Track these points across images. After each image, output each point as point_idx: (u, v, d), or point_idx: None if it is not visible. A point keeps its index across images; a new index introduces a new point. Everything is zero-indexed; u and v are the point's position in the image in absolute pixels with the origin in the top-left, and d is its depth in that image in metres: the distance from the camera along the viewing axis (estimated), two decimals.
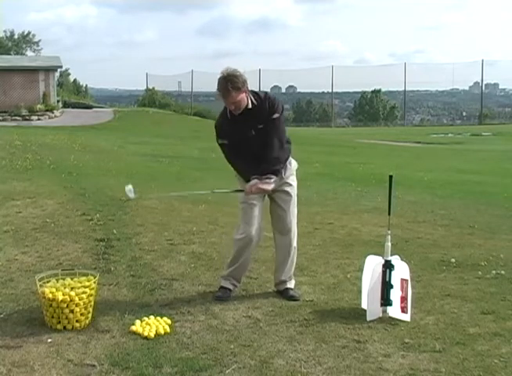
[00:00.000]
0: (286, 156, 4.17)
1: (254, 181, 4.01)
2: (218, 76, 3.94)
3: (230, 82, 3.87)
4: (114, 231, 5.92)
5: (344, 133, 35.37)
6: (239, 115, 3.99)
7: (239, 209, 4.19)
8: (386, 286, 3.80)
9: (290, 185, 4.21)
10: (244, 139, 4.00)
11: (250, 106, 3.98)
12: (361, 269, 4.06)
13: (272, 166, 4.03)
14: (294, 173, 4.28)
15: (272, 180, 4.04)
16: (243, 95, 3.93)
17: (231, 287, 4.21)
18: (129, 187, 4.13)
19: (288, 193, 4.19)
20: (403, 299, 3.79)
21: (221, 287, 4.21)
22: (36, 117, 25.44)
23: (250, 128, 4.00)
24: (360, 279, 4.04)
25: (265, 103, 4.00)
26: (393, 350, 3.33)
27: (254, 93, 4.04)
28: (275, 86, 79.07)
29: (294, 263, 4.32)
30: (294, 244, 4.26)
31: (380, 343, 3.42)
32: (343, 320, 3.76)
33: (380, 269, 3.81)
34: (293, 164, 4.27)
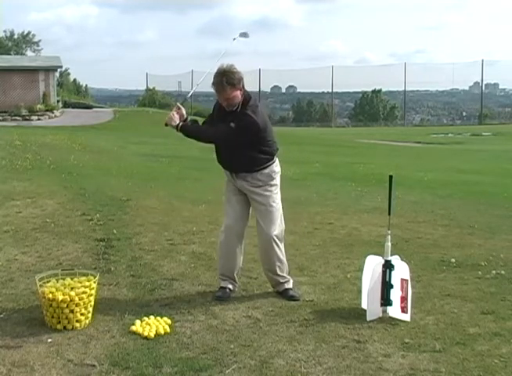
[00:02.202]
0: (257, 165, 4.13)
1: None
2: (214, 74, 3.96)
3: (226, 77, 3.90)
4: (114, 231, 5.92)
5: (344, 133, 35.38)
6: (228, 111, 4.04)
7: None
8: (386, 286, 3.80)
9: (261, 194, 4.16)
10: (226, 129, 4.03)
11: (239, 104, 4.00)
12: (361, 269, 4.06)
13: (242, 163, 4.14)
14: (275, 179, 4.22)
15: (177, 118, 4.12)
16: (237, 93, 3.95)
17: (230, 286, 4.21)
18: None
19: (259, 202, 4.17)
20: (403, 299, 3.79)
21: (221, 287, 4.22)
22: (36, 117, 25.47)
23: (229, 123, 4.00)
24: (360, 279, 4.04)
25: (245, 111, 3.99)
26: (393, 350, 3.33)
27: (249, 97, 4.04)
28: (275, 86, 79.06)
29: (285, 266, 4.26)
30: (280, 246, 4.21)
31: (380, 343, 3.43)
32: (343, 320, 3.77)
33: (380, 269, 3.81)
34: (271, 170, 4.19)
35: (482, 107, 48.93)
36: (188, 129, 4.13)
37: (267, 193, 4.18)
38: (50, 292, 3.56)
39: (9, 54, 43.33)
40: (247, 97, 4.03)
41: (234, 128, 3.96)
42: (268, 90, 74.62)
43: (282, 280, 4.23)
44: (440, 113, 71.95)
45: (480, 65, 45.56)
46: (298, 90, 73.51)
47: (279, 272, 4.22)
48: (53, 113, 26.68)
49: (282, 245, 4.23)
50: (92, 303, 3.68)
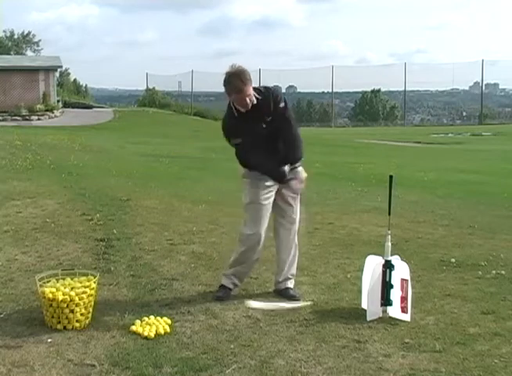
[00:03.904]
0: (302, 145, 4.18)
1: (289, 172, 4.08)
2: (226, 75, 3.94)
3: (242, 76, 3.89)
4: (114, 231, 5.92)
5: (344, 133, 35.36)
6: (246, 112, 3.98)
7: (247, 209, 4.14)
8: (386, 286, 3.80)
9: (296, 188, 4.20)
10: (257, 134, 4.01)
11: (255, 101, 3.97)
12: (361, 269, 4.06)
13: (292, 154, 4.10)
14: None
15: (300, 169, 4.15)
16: (251, 89, 3.95)
17: (231, 286, 4.20)
18: None
19: (293, 197, 4.20)
20: (403, 299, 3.79)
21: (222, 286, 4.20)
22: (36, 117, 25.45)
23: (260, 122, 4.00)
24: (360, 279, 4.04)
25: (269, 95, 4.01)
26: (393, 350, 3.33)
27: (255, 88, 4.04)
28: (276, 86, 78.94)
29: (296, 262, 4.31)
30: (296, 240, 4.27)
31: (380, 343, 3.43)
32: (343, 320, 3.76)
33: (380, 269, 3.81)
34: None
35: (482, 107, 48.86)
36: (295, 158, 4.16)
37: (300, 186, 4.22)
38: (50, 292, 3.56)
39: (9, 54, 43.30)
40: (253, 88, 4.05)
41: (283, 105, 4.03)
42: None
43: (289, 276, 4.26)
44: (440, 113, 71.87)
45: (480, 65, 45.48)
46: (298, 90, 73.45)
47: (293, 271, 4.29)
48: (53, 113, 26.66)
49: None
50: (92, 303, 3.68)
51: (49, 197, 7.69)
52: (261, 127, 4.01)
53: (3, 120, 24.25)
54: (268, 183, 4.11)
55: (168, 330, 3.53)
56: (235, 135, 4.07)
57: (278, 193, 4.19)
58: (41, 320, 3.63)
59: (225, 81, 3.95)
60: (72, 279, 3.77)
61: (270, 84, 4.27)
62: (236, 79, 3.88)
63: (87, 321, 3.62)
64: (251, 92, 3.93)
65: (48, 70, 28.02)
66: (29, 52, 50.78)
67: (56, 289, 3.60)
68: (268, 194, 4.11)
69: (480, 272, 4.82)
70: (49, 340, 3.39)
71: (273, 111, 3.99)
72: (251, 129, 4.00)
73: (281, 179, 4.10)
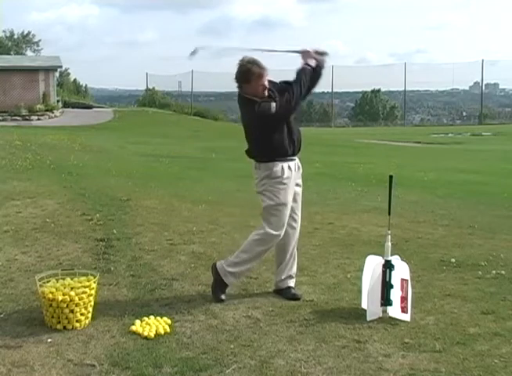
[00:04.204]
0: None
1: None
2: (241, 63, 3.98)
3: (259, 63, 3.96)
4: (114, 231, 5.92)
5: (344, 133, 35.35)
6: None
7: (275, 210, 4.03)
8: (386, 286, 3.80)
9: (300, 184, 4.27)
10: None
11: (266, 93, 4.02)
12: (361, 269, 4.06)
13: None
14: None
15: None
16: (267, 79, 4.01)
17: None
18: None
19: (301, 187, 4.25)
20: (403, 299, 3.79)
21: (225, 286, 4.13)
22: (36, 117, 25.45)
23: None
24: (360, 279, 4.04)
25: (277, 85, 4.08)
26: (393, 350, 3.33)
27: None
28: None
29: (296, 261, 4.33)
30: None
31: (380, 343, 3.43)
32: (343, 320, 3.76)
33: (380, 269, 3.81)
34: None
35: (482, 107, 48.84)
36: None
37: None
38: (50, 292, 3.56)
39: (9, 54, 43.30)
40: None
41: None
42: None
43: (292, 274, 4.27)
44: (440, 113, 71.85)
45: (480, 65, 45.45)
46: None
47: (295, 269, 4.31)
48: (53, 113, 26.66)
49: None
50: (92, 303, 3.68)
51: (49, 197, 7.68)
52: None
53: (3, 120, 24.25)
54: (297, 181, 4.16)
55: (168, 330, 3.53)
56: (268, 106, 3.97)
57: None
58: (41, 320, 3.63)
59: (241, 69, 3.98)
60: (72, 279, 3.77)
61: None
62: (254, 66, 3.94)
63: (87, 321, 3.62)
64: (267, 81, 3.98)
65: (48, 70, 28.02)
66: (29, 52, 50.82)
67: (56, 289, 3.60)
68: (292, 187, 4.12)
69: (480, 272, 4.82)
70: (49, 340, 3.39)
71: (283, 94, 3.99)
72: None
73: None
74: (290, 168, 4.06)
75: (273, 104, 3.92)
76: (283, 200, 4.04)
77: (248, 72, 3.95)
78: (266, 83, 3.98)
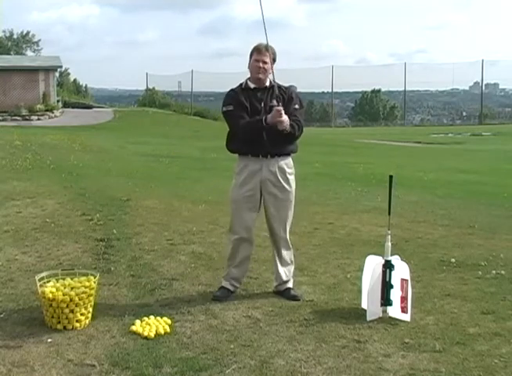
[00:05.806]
0: (294, 142, 4.14)
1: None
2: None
3: (269, 47, 4.00)
4: (114, 231, 5.92)
5: (344, 133, 35.34)
6: (254, 90, 4.06)
7: (231, 209, 4.20)
8: (386, 286, 3.80)
9: (285, 188, 4.11)
10: (252, 108, 4.03)
11: (268, 84, 4.07)
12: (361, 269, 4.06)
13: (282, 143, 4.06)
14: (293, 174, 4.22)
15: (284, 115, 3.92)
16: (270, 65, 4.01)
17: (231, 287, 4.20)
18: None
19: (279, 198, 4.12)
20: (403, 299, 3.79)
21: (222, 287, 4.21)
22: (36, 117, 25.46)
23: (260, 102, 4.04)
24: (360, 279, 4.04)
25: (288, 91, 4.11)
26: (393, 350, 3.33)
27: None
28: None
29: (293, 262, 4.31)
30: (289, 243, 4.25)
31: (380, 343, 3.42)
32: (343, 320, 3.76)
33: (380, 269, 3.81)
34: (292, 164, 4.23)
35: (482, 107, 48.82)
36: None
37: (292, 188, 4.15)
38: (50, 292, 3.56)
39: (9, 54, 43.29)
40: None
41: (298, 107, 4.11)
42: None
43: (290, 278, 4.27)
44: (440, 113, 71.92)
45: (480, 65, 45.44)
46: (298, 90, 73.36)
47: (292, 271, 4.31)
48: (53, 113, 26.67)
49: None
50: (92, 303, 3.68)
51: (49, 197, 7.69)
52: (260, 106, 4.04)
53: (3, 120, 24.25)
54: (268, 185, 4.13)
55: (168, 330, 3.53)
56: (228, 103, 4.09)
57: (264, 199, 4.17)
58: (41, 320, 3.63)
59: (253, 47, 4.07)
60: (72, 279, 3.77)
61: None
62: (262, 44, 4.01)
63: (87, 321, 3.62)
64: (269, 66, 4.00)
65: (48, 70, 28.03)
66: (29, 52, 50.83)
67: (56, 289, 3.60)
68: (251, 189, 4.14)
69: (480, 272, 4.82)
70: (49, 340, 3.39)
71: (285, 108, 3.96)
72: (250, 103, 4.03)
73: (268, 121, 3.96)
74: (247, 166, 4.09)
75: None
76: (232, 197, 4.18)
77: (254, 47, 4.06)
78: (265, 65, 3.99)
